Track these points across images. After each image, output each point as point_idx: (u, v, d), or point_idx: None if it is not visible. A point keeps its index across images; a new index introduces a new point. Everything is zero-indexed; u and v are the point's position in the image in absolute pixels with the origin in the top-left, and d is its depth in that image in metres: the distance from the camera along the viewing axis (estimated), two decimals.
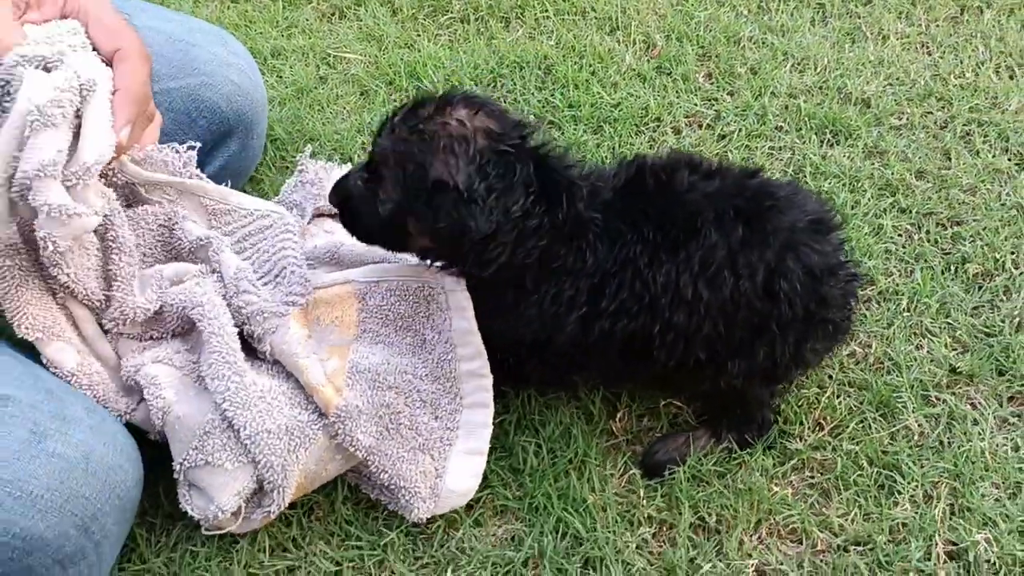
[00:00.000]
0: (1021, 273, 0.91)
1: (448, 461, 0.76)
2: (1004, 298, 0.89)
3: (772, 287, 0.74)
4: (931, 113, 1.09)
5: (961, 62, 1.15)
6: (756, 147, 1.06)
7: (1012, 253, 0.93)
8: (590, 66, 1.18)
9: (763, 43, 1.20)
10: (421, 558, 0.76)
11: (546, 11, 1.27)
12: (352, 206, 0.78)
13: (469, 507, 0.77)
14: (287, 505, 0.75)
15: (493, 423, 0.78)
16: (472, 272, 0.75)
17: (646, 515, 0.76)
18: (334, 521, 0.79)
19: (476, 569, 0.74)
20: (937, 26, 1.21)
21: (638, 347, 0.75)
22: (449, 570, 0.74)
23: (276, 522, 0.78)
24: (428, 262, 0.77)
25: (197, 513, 0.74)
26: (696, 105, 1.12)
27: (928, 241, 0.95)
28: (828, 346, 0.81)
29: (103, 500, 0.73)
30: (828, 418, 0.82)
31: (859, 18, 1.23)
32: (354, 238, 0.80)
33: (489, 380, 0.78)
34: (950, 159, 1.03)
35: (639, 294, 0.74)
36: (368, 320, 0.81)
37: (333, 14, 1.28)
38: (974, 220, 0.97)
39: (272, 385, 0.77)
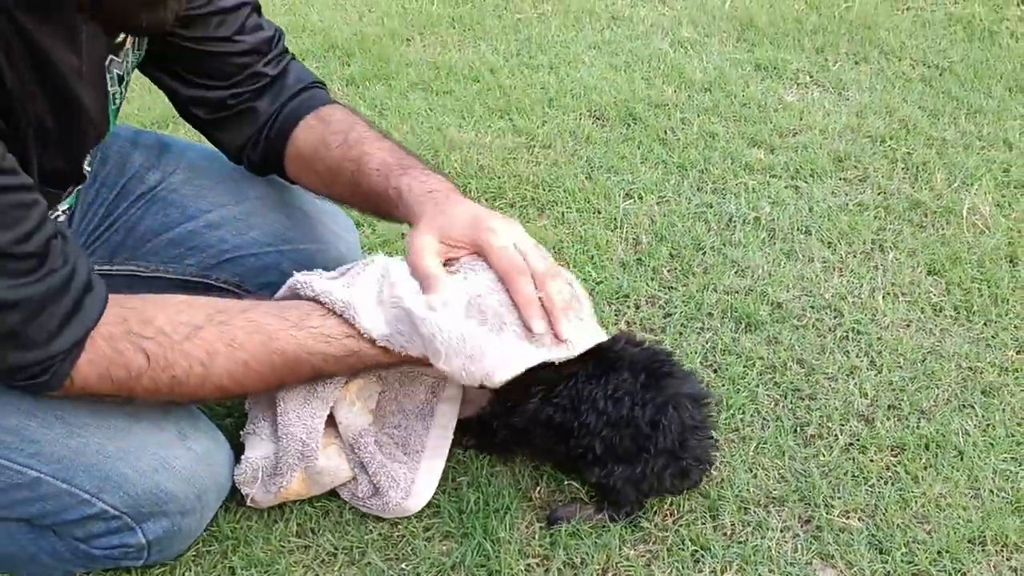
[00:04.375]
0: (837, 439, 1.29)
1: (417, 474, 1.19)
2: (825, 453, 1.27)
3: (657, 420, 1.15)
4: (824, 320, 1.49)
5: (860, 286, 1.56)
6: (688, 325, 1.49)
7: (840, 422, 1.31)
8: (590, 252, 1.63)
9: (719, 252, 1.63)
10: (388, 553, 1.17)
11: (570, 208, 1.75)
12: None
13: (425, 528, 1.19)
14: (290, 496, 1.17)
15: (452, 479, 1.20)
16: None
17: (535, 551, 1.16)
18: (340, 516, 1.22)
19: (421, 563, 1.15)
20: (852, 256, 1.62)
21: (562, 433, 1.16)
22: (404, 563, 1.15)
23: (301, 513, 1.22)
24: None
25: (236, 473, 1.17)
26: (655, 290, 1.55)
27: (786, 408, 1.34)
28: (682, 484, 1.19)
29: (211, 481, 1.11)
30: (675, 511, 1.20)
31: (796, 244, 1.65)
32: None
33: (450, 433, 1.21)
34: (824, 354, 1.43)
35: (571, 396, 1.14)
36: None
37: None
38: (824, 397, 1.36)
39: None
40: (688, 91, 2.10)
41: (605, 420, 1.12)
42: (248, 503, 1.18)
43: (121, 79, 1.12)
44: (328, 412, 1.15)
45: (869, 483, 1.22)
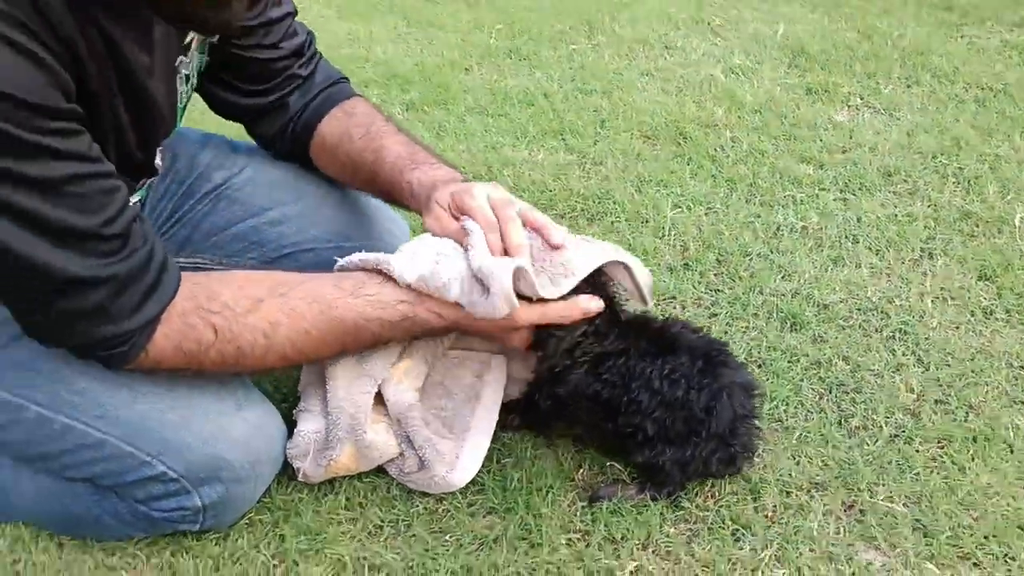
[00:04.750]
0: (881, 430, 1.29)
1: (462, 450, 1.22)
2: (869, 443, 1.27)
3: (711, 406, 1.16)
4: (870, 321, 1.49)
5: (908, 290, 1.56)
6: (733, 325, 1.50)
7: (886, 415, 1.31)
8: (637, 257, 1.66)
9: (766, 258, 1.65)
10: (433, 526, 1.20)
11: (619, 218, 1.79)
12: None
13: (469, 504, 1.22)
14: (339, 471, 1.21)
15: (496, 460, 1.24)
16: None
17: (576, 526, 1.17)
18: (387, 492, 1.25)
19: (464, 535, 1.17)
20: (900, 263, 1.63)
21: (609, 410, 1.17)
22: (447, 535, 1.18)
23: (350, 487, 1.25)
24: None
25: (289, 447, 1.21)
26: (702, 292, 1.57)
27: (830, 401, 1.35)
28: (726, 470, 1.20)
29: (265, 451, 1.14)
30: (717, 493, 1.21)
31: (844, 251, 1.66)
32: None
33: (495, 415, 1.25)
34: (870, 352, 1.43)
35: (622, 373, 1.16)
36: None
37: None
38: (869, 392, 1.36)
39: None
40: (738, 113, 2.14)
41: (659, 400, 1.14)
42: (299, 478, 1.22)
43: (188, 79, 1.20)
44: (376, 390, 1.20)
45: (914, 471, 1.22)
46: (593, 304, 1.13)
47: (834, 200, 1.80)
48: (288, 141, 1.37)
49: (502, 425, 1.28)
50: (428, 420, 1.24)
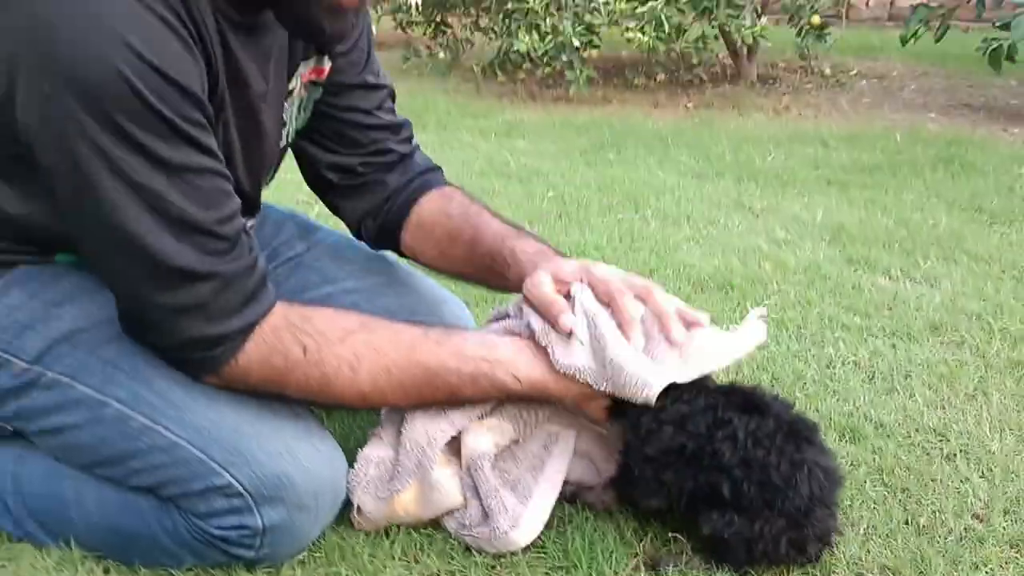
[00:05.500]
0: (951, 531, 1.26)
1: (526, 509, 1.18)
2: (940, 540, 1.24)
3: (791, 476, 1.13)
4: (930, 440, 1.49)
5: (965, 419, 1.56)
6: None
7: (955, 516, 1.28)
8: None
9: (820, 383, 1.67)
10: None
11: None
12: None
13: (529, 562, 1.17)
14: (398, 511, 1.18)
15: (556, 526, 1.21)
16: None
17: None
18: (445, 544, 1.21)
19: None
20: (955, 396, 1.64)
21: (691, 465, 1.13)
22: None
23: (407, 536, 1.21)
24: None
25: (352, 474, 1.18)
26: None
27: (896, 502, 1.32)
28: (797, 557, 1.15)
29: (329, 483, 1.13)
30: (785, 571, 1.17)
31: (897, 383, 1.68)
32: None
33: (559, 485, 1.22)
34: (932, 464, 1.42)
35: (708, 424, 1.12)
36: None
37: None
38: (935, 496, 1.33)
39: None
40: (783, 272, 2.22)
41: (741, 457, 1.11)
42: (355, 517, 1.20)
43: (286, 124, 1.29)
44: (454, 433, 1.19)
45: (988, 567, 1.18)
46: None
47: (883, 344, 1.83)
48: (381, 220, 1.43)
49: (596, 504, 1.27)
50: (497, 474, 1.23)
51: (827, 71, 5.33)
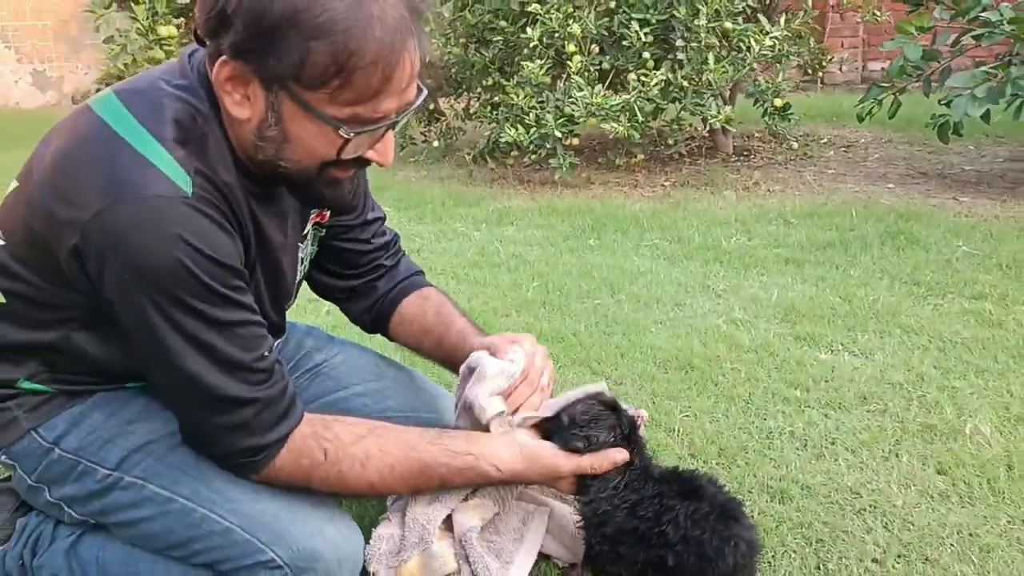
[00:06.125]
0: (852, 572, 1.56)
1: (508, 573, 1.48)
2: None
3: (721, 548, 1.36)
4: (846, 498, 1.79)
5: (878, 479, 1.86)
6: None
7: (857, 561, 1.58)
8: (651, 448, 2.00)
9: (760, 453, 1.98)
10: None
11: None
12: None
13: None
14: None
15: None
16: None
17: None
18: None
19: None
20: (872, 459, 1.94)
21: (642, 543, 1.41)
22: None
23: None
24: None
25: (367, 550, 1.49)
26: None
27: (810, 552, 1.62)
28: None
29: (350, 553, 1.41)
30: None
31: (825, 449, 1.99)
32: None
33: (535, 554, 1.52)
34: (845, 519, 1.72)
35: (656, 511, 1.39)
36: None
37: None
38: (843, 546, 1.63)
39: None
40: (737, 351, 2.54)
41: (681, 535, 1.39)
42: None
43: (302, 261, 1.63)
44: (447, 513, 1.50)
45: None
46: (619, 456, 1.47)
47: (817, 414, 2.15)
48: (374, 315, 1.78)
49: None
50: (483, 544, 1.53)
51: (795, 145, 5.71)
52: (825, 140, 6.13)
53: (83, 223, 1.22)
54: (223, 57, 1.22)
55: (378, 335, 1.83)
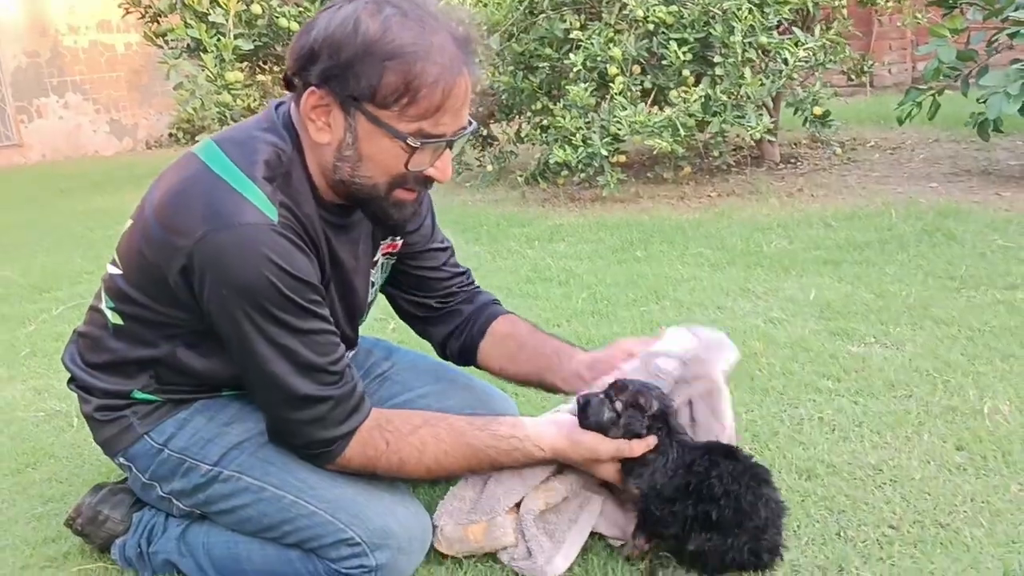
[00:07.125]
0: (870, 536, 1.73)
1: (558, 552, 1.68)
2: (861, 546, 1.71)
3: (755, 503, 1.56)
4: (869, 475, 1.95)
5: (899, 456, 2.02)
6: None
7: (874, 527, 1.75)
8: None
9: (789, 438, 2.15)
10: None
11: None
12: None
13: None
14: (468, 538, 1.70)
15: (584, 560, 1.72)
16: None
17: None
18: (503, 573, 1.72)
19: None
20: (895, 439, 2.10)
21: (693, 496, 1.61)
22: None
23: (474, 568, 1.72)
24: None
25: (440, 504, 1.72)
26: None
27: (832, 520, 1.79)
28: (755, 563, 1.55)
29: (418, 532, 1.64)
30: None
31: (851, 432, 2.15)
32: None
33: (586, 534, 1.73)
34: (866, 491, 1.88)
35: (706, 466, 1.59)
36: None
37: None
38: (863, 514, 1.80)
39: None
40: (773, 348, 2.71)
41: (723, 490, 1.57)
42: (437, 537, 1.71)
43: (374, 284, 1.86)
44: (522, 496, 1.72)
45: (890, 560, 1.65)
46: (652, 441, 1.66)
47: (847, 402, 2.30)
48: (463, 340, 1.99)
49: (631, 553, 1.74)
50: (538, 526, 1.73)
51: (838, 151, 5.82)
52: (872, 143, 6.23)
53: (189, 248, 1.47)
54: (311, 88, 1.47)
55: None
